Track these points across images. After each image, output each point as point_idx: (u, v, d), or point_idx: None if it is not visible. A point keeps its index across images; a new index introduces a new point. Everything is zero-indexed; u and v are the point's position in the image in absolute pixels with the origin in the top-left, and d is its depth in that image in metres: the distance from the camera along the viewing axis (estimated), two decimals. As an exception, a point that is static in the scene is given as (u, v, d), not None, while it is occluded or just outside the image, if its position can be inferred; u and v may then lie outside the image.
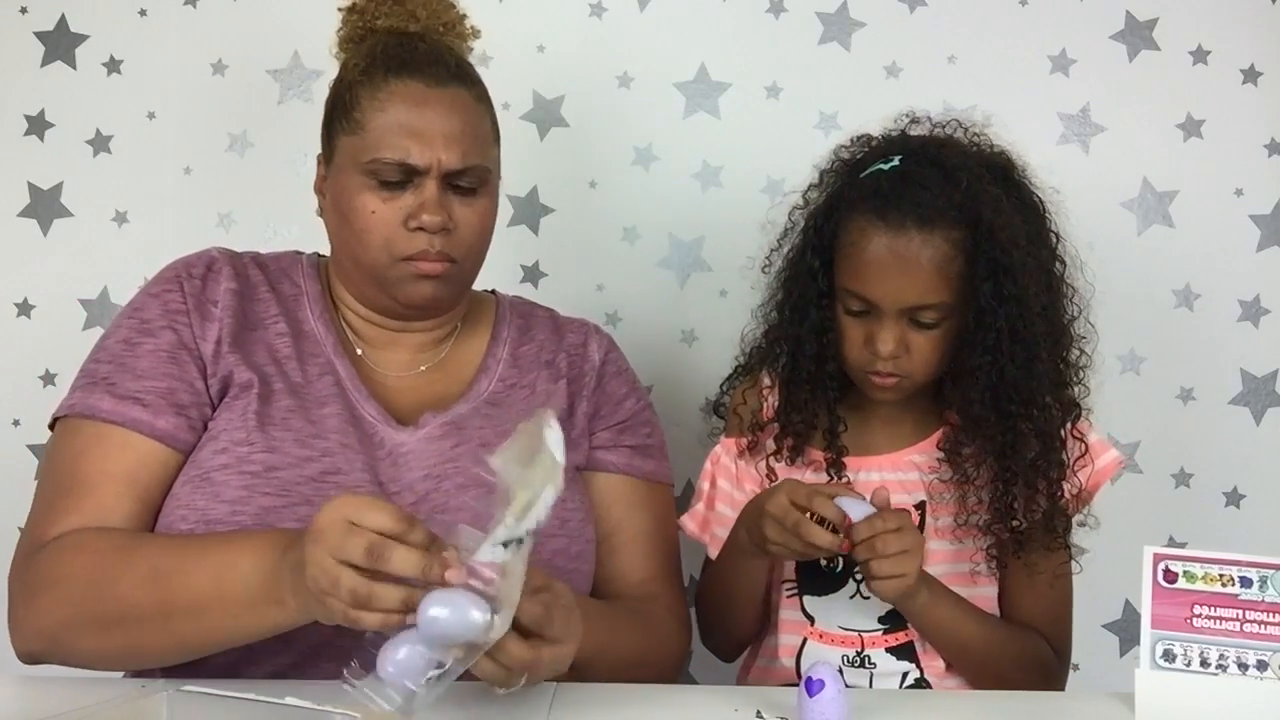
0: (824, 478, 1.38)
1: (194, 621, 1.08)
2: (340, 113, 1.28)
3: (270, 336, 1.28)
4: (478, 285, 1.42)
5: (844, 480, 1.37)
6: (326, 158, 1.31)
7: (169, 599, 1.07)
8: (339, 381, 1.27)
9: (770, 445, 1.40)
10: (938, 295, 1.28)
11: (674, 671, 1.36)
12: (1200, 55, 1.84)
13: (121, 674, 1.24)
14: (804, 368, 1.36)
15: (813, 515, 1.22)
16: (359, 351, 1.33)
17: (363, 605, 0.95)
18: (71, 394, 1.23)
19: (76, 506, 1.17)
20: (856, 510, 1.21)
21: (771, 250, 1.41)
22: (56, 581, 1.12)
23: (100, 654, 1.13)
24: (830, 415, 1.37)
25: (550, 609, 1.01)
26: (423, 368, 1.34)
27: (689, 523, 1.44)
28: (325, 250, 1.38)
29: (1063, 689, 1.38)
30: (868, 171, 1.33)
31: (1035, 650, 1.36)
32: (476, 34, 1.37)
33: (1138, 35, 1.84)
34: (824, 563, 1.35)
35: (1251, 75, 1.84)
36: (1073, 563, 1.37)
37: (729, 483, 1.43)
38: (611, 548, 1.33)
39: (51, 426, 1.25)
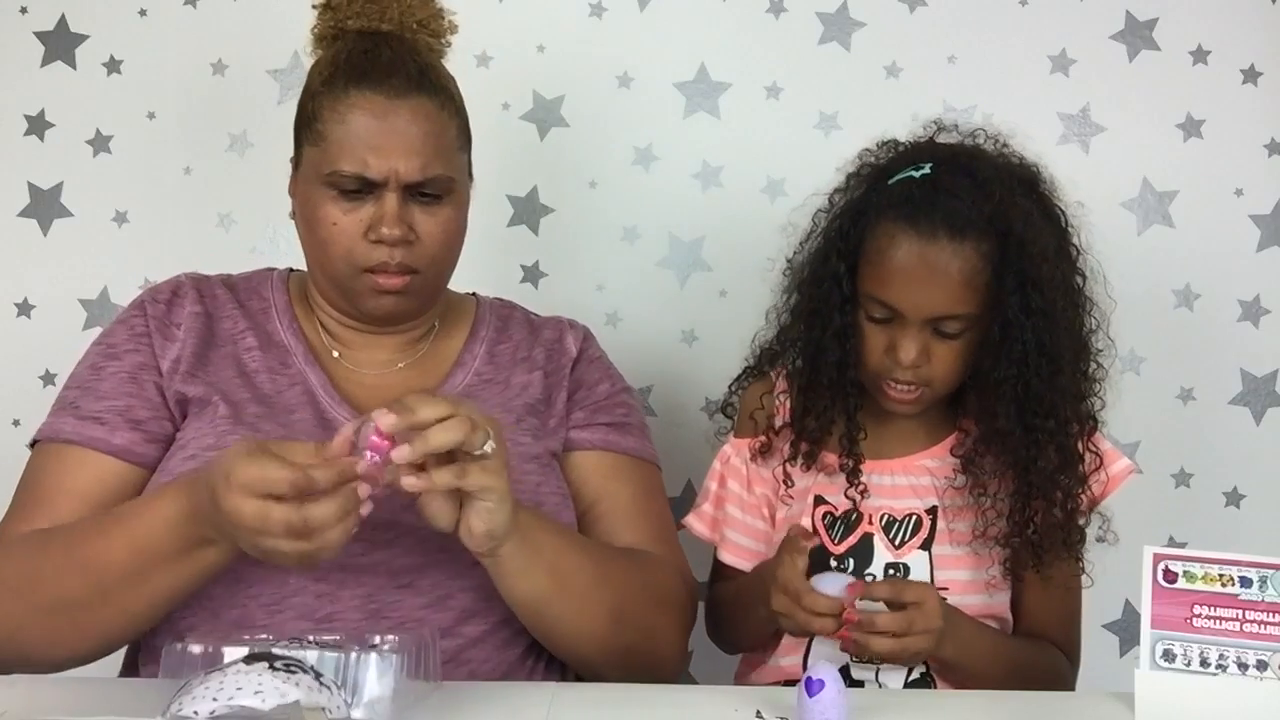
0: (839, 482, 1.37)
1: (132, 589, 1.10)
2: (304, 122, 1.29)
3: (239, 351, 1.30)
4: (462, 288, 1.43)
5: (859, 487, 1.36)
6: (295, 163, 1.33)
7: (98, 578, 1.10)
8: (309, 389, 1.29)
9: (786, 450, 1.39)
10: (964, 306, 1.27)
11: (688, 615, 1.33)
12: (1200, 55, 1.84)
13: (118, 674, 1.25)
14: (824, 373, 1.34)
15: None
16: (335, 354, 1.34)
17: (300, 534, 0.98)
18: (46, 419, 1.28)
19: (29, 520, 1.20)
20: (835, 586, 1.22)
21: (794, 252, 1.40)
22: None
23: (54, 644, 1.13)
24: (849, 422, 1.36)
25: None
26: (400, 365, 1.35)
27: (696, 523, 1.44)
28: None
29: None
30: (898, 177, 1.31)
31: (1054, 665, 1.36)
32: (454, 29, 1.36)
33: (1138, 35, 1.84)
34: (834, 564, 1.35)
35: (1251, 75, 1.84)
36: (1084, 576, 1.38)
37: (739, 484, 1.43)
38: (593, 518, 1.33)
39: (33, 447, 1.28)
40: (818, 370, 1.35)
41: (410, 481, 1.04)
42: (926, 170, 1.30)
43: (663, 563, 1.32)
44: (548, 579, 1.17)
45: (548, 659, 1.28)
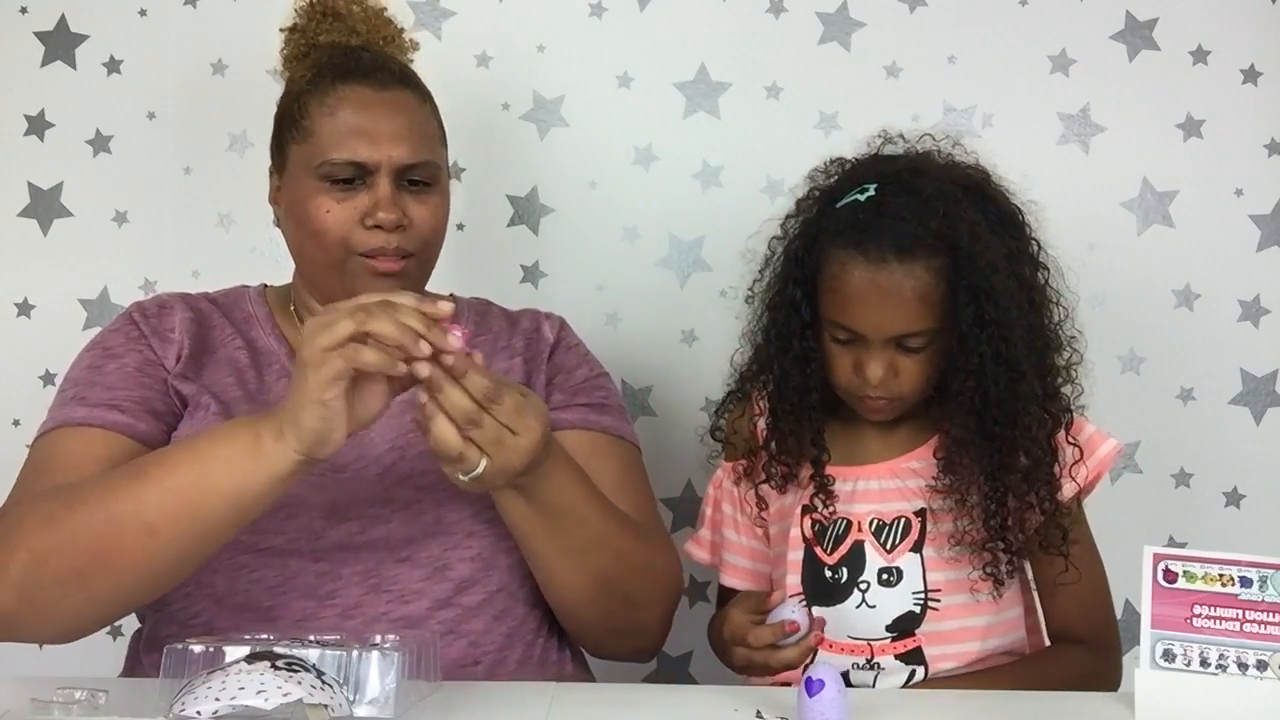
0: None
1: (178, 500, 1.07)
2: (289, 123, 1.32)
3: (230, 352, 1.34)
4: (463, 289, 1.43)
5: (830, 509, 1.35)
6: (278, 169, 1.35)
7: (146, 490, 1.07)
8: None
9: (761, 473, 1.40)
10: (922, 322, 1.28)
11: (675, 592, 1.34)
12: (1200, 55, 1.84)
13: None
14: (789, 398, 1.36)
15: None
16: None
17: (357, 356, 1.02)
18: (48, 416, 1.27)
19: (52, 482, 1.16)
20: (789, 612, 1.23)
21: (754, 280, 1.41)
22: (14, 528, 1.11)
23: (77, 591, 1.09)
24: (816, 445, 1.36)
25: (501, 385, 1.07)
26: None
27: (696, 550, 1.45)
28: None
29: (1118, 683, 1.35)
30: (844, 202, 1.32)
31: (1066, 672, 1.33)
32: (415, 46, 1.42)
33: (1138, 35, 1.84)
34: (829, 574, 1.34)
35: (1251, 75, 1.84)
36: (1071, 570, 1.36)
37: (732, 506, 1.44)
38: None
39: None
40: (783, 394, 1.36)
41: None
42: (871, 192, 1.30)
43: (653, 534, 1.33)
44: (570, 494, 1.20)
45: (545, 634, 1.30)
